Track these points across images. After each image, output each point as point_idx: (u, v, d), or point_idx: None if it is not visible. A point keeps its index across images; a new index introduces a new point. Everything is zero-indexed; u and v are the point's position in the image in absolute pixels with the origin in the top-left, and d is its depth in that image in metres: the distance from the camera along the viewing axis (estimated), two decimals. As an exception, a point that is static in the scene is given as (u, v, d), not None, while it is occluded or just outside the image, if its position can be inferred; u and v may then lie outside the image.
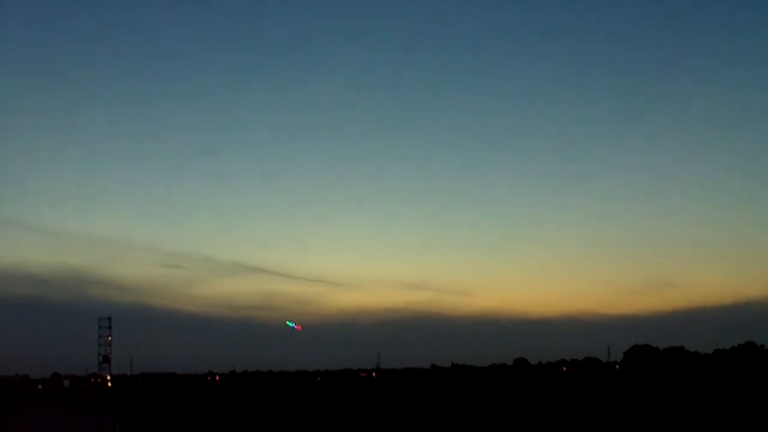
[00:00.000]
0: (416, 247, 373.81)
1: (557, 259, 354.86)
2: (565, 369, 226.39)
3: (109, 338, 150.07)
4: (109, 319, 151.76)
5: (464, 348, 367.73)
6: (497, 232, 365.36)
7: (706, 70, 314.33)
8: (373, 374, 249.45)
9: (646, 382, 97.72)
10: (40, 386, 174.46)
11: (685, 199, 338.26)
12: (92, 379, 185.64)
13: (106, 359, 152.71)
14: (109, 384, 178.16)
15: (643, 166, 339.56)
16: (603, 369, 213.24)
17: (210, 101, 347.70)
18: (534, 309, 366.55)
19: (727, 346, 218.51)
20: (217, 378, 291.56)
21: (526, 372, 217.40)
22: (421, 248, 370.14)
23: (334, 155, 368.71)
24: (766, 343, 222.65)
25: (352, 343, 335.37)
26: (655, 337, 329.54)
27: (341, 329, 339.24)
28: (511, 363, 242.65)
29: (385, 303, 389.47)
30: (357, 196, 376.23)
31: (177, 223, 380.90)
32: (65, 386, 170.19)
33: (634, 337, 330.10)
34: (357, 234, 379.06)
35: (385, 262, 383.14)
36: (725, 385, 73.33)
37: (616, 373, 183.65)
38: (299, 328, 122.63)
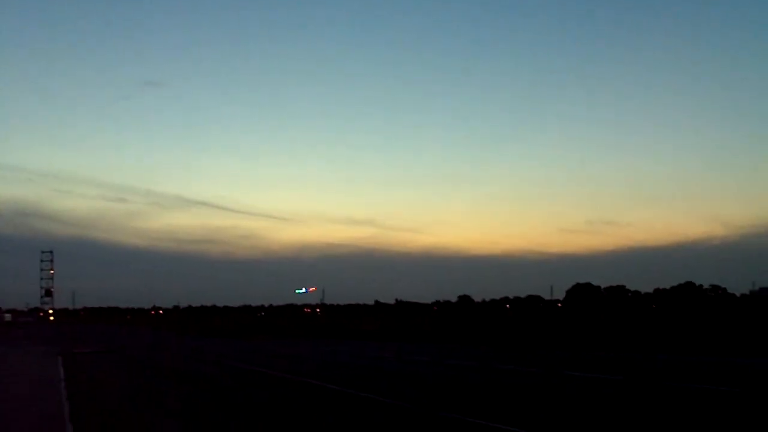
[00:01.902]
0: (362, 183, 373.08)
1: (502, 197, 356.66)
2: (508, 306, 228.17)
3: (51, 272, 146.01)
4: (51, 252, 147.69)
5: (409, 285, 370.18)
6: (443, 170, 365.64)
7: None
8: (317, 310, 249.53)
9: (587, 319, 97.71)
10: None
11: (626, 139, 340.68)
12: (38, 313, 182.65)
13: (48, 293, 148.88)
14: (51, 318, 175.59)
15: (587, 106, 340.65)
16: (545, 307, 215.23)
17: (155, 32, 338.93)
18: (478, 247, 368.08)
19: (667, 286, 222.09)
20: (161, 312, 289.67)
21: (470, 309, 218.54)
22: (367, 185, 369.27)
23: (282, 90, 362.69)
24: (705, 282, 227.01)
25: (297, 278, 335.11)
26: (596, 276, 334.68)
27: (286, 265, 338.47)
28: (455, 300, 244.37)
29: (331, 239, 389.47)
30: (304, 132, 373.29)
31: (121, 156, 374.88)
32: (6, 320, 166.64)
33: (576, 275, 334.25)
34: (303, 170, 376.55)
35: (331, 198, 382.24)
36: (663, 323, 73.20)
37: (558, 310, 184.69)
38: (312, 289, 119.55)
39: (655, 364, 30.15)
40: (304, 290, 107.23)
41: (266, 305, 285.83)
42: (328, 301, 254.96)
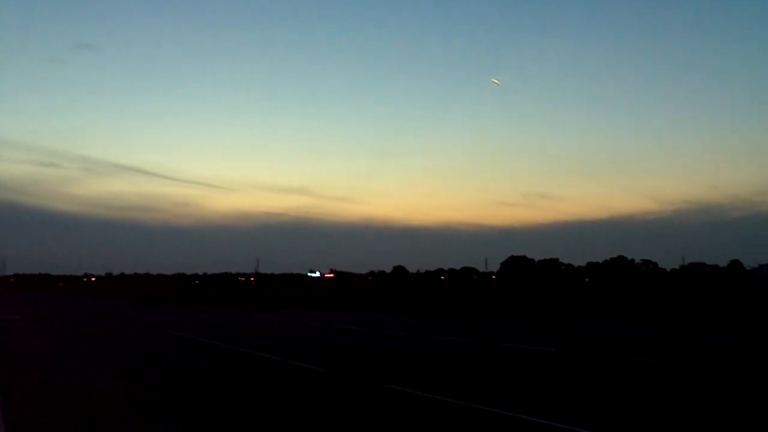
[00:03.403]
0: (298, 152, 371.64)
1: (438, 169, 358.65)
2: (443, 278, 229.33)
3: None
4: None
5: (344, 254, 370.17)
6: (380, 141, 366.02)
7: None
8: (252, 279, 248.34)
9: (521, 291, 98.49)
10: None
11: (563, 115, 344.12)
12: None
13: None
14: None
15: (525, 80, 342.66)
16: (480, 278, 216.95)
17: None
18: (414, 218, 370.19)
19: (600, 259, 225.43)
20: (94, 280, 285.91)
21: (404, 279, 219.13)
22: (303, 154, 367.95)
23: (218, 57, 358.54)
24: (637, 256, 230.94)
25: (232, 247, 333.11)
26: (531, 249, 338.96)
27: (221, 233, 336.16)
28: (389, 271, 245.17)
29: (266, 208, 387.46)
30: (240, 100, 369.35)
31: (53, 120, 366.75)
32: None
33: (511, 248, 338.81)
34: (240, 138, 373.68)
35: (266, 166, 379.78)
36: (596, 296, 73.95)
37: (493, 282, 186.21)
38: (328, 276, 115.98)
39: (587, 337, 30.04)
40: (318, 274, 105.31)
41: (201, 273, 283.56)
42: (262, 270, 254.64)
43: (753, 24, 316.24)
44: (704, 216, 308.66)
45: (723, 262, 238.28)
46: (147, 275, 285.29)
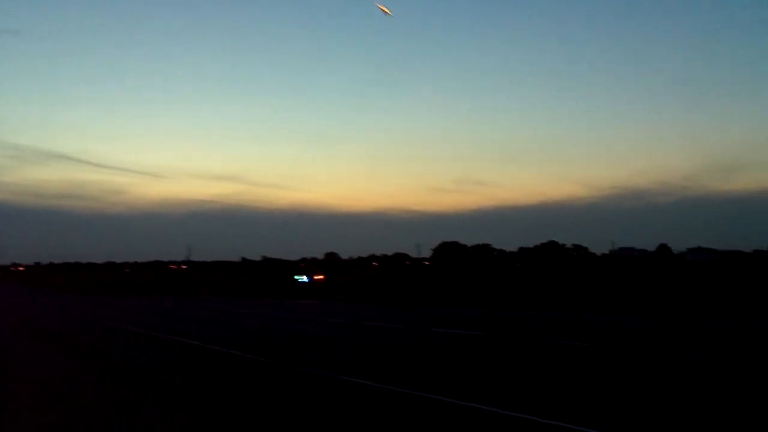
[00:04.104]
0: (231, 139, 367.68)
1: (371, 155, 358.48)
2: (375, 264, 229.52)
3: None
4: None
5: (276, 241, 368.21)
6: (312, 127, 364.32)
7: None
8: (183, 266, 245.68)
9: (453, 277, 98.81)
10: None
11: (495, 101, 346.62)
12: None
13: None
14: None
15: (458, 67, 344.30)
16: (413, 264, 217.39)
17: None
18: (346, 204, 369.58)
19: (532, 245, 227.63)
20: (21, 269, 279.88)
21: (337, 265, 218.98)
22: (235, 141, 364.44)
23: (148, 41, 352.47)
24: (568, 241, 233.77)
25: (163, 234, 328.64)
26: (464, 235, 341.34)
27: (152, 221, 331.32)
28: (322, 257, 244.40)
29: (197, 195, 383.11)
30: (172, 87, 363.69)
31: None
32: None
33: (444, 234, 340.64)
34: (170, 125, 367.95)
35: (198, 154, 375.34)
36: (527, 281, 74.51)
37: (425, 268, 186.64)
38: (318, 278, 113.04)
39: (517, 321, 30.15)
40: (305, 278, 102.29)
41: (132, 262, 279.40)
42: (194, 258, 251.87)
43: (681, 13, 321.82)
44: (633, 201, 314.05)
45: (651, 247, 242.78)
46: (77, 264, 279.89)
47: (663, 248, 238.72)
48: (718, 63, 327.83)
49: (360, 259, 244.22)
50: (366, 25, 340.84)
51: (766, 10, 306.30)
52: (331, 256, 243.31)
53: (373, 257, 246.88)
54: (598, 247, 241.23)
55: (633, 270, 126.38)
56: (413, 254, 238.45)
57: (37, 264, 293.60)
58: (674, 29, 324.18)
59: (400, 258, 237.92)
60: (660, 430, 9.99)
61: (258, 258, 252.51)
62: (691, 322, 27.31)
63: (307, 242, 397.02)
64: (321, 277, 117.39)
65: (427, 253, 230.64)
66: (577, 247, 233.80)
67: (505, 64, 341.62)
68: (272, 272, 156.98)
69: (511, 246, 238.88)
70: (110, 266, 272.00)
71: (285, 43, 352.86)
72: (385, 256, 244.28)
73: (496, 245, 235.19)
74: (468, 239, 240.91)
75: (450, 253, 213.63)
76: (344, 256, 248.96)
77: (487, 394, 12.54)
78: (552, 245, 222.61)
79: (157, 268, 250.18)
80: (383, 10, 58.02)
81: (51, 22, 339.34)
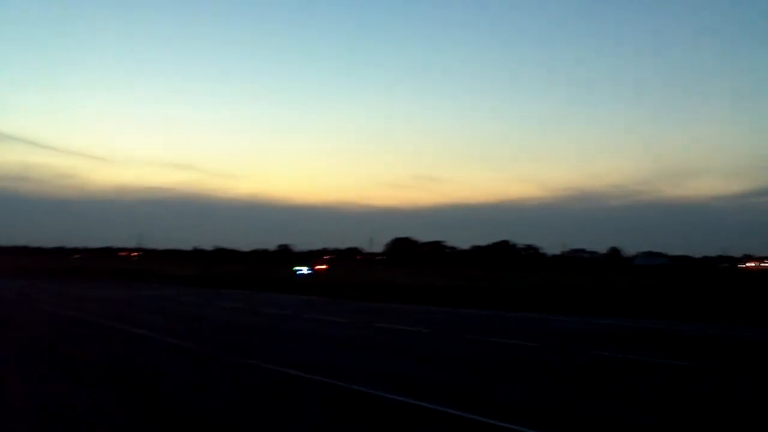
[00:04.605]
0: (186, 127, 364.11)
1: (326, 148, 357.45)
2: (327, 257, 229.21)
3: None
4: None
5: (229, 232, 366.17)
6: (270, 118, 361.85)
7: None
8: (133, 254, 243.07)
9: (405, 272, 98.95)
10: None
11: (453, 98, 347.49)
12: None
13: None
14: None
15: (415, 62, 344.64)
16: (364, 258, 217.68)
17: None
18: (301, 196, 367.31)
19: (484, 243, 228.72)
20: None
21: (290, 258, 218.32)
22: (191, 128, 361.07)
23: (103, 25, 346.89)
24: (521, 241, 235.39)
25: (115, 221, 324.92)
26: (418, 231, 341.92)
27: (104, 207, 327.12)
28: (274, 249, 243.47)
29: (151, 182, 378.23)
30: (129, 71, 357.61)
31: None
32: None
33: (398, 229, 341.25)
34: (127, 110, 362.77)
35: (154, 141, 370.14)
36: (479, 278, 74.70)
37: (375, 262, 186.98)
38: (320, 268, 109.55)
39: (463, 318, 30.08)
40: (306, 270, 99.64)
41: (81, 247, 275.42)
42: (146, 246, 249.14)
43: (638, 17, 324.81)
44: (586, 203, 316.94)
45: (603, 249, 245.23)
46: (25, 248, 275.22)
47: (613, 251, 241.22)
48: (675, 69, 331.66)
49: (312, 251, 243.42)
50: (325, 17, 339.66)
51: (720, 14, 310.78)
52: (284, 248, 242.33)
53: (325, 250, 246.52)
54: (551, 247, 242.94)
55: (582, 271, 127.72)
56: (366, 249, 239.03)
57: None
58: (632, 33, 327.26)
59: (352, 252, 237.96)
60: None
61: (210, 248, 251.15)
62: (629, 324, 27.50)
63: (261, 233, 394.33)
64: (324, 267, 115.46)
65: (379, 247, 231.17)
66: (530, 247, 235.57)
67: (464, 64, 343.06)
68: (223, 261, 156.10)
69: (464, 244, 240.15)
70: (60, 251, 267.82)
71: (244, 33, 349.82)
72: (337, 250, 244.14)
73: (451, 242, 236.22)
74: (422, 235, 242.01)
75: (402, 248, 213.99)
76: (297, 248, 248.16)
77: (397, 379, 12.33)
78: (504, 244, 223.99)
79: (108, 254, 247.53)
80: None
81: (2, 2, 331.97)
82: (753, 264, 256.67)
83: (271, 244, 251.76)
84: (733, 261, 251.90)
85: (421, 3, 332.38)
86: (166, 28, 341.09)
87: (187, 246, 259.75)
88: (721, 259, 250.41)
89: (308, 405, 11.47)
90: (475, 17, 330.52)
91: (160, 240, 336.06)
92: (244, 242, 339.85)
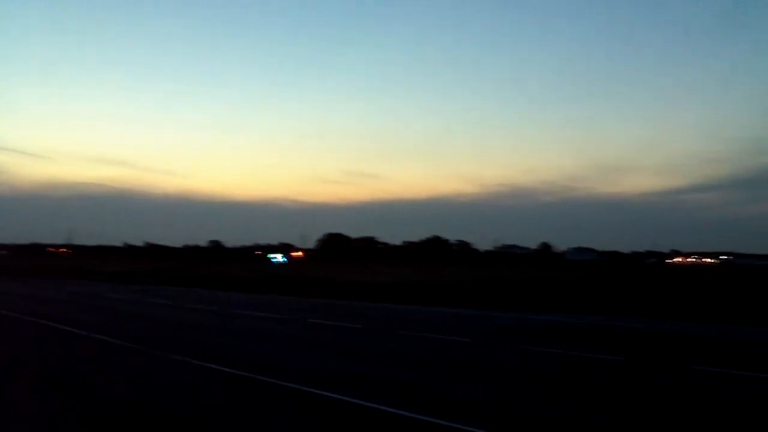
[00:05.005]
0: (119, 122, 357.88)
1: (258, 144, 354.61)
2: (258, 253, 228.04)
3: None
4: None
5: (161, 227, 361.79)
6: (200, 114, 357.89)
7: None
8: (62, 250, 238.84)
9: (337, 268, 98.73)
10: None
11: (386, 95, 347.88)
12: None
13: None
14: None
15: (349, 60, 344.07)
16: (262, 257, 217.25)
17: None
18: (233, 192, 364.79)
19: (417, 239, 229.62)
20: None
21: (221, 253, 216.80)
22: (124, 124, 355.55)
23: (37, 18, 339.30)
24: (453, 237, 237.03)
25: (44, 217, 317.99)
26: (350, 227, 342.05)
27: (33, 202, 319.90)
28: (206, 245, 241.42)
29: (82, 178, 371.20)
30: (60, 64, 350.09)
31: None
32: None
33: (330, 225, 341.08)
34: (57, 104, 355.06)
35: (85, 136, 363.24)
36: (411, 274, 74.75)
37: (309, 258, 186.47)
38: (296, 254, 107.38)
39: (398, 315, 30.00)
40: (281, 258, 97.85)
41: (8, 243, 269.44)
42: (76, 242, 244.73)
43: (566, 15, 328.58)
44: (518, 199, 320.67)
45: (534, 245, 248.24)
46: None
47: (545, 246, 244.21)
48: (608, 66, 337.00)
49: (244, 248, 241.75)
50: (260, 14, 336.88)
51: (655, 12, 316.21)
52: (216, 244, 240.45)
53: (257, 246, 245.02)
54: (483, 243, 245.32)
55: (514, 266, 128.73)
56: (298, 244, 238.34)
57: None
58: (565, 31, 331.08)
59: (285, 248, 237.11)
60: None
61: (141, 244, 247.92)
62: (561, 319, 27.86)
63: (192, 229, 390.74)
64: (300, 254, 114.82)
65: (311, 243, 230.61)
66: (461, 243, 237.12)
67: (397, 60, 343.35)
68: (154, 257, 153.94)
69: (396, 240, 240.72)
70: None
71: (180, 29, 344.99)
72: (269, 246, 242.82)
73: (383, 238, 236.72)
74: (354, 231, 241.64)
75: (334, 244, 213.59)
76: (228, 244, 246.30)
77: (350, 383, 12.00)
78: (436, 240, 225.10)
79: (36, 251, 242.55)
80: None
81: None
82: (680, 259, 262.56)
83: (203, 240, 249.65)
84: (661, 256, 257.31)
85: (355, 1, 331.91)
86: (97, 20, 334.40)
87: (117, 242, 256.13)
88: (649, 254, 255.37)
89: (226, 398, 11.20)
90: (409, 14, 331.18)
91: (90, 236, 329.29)
92: (175, 238, 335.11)
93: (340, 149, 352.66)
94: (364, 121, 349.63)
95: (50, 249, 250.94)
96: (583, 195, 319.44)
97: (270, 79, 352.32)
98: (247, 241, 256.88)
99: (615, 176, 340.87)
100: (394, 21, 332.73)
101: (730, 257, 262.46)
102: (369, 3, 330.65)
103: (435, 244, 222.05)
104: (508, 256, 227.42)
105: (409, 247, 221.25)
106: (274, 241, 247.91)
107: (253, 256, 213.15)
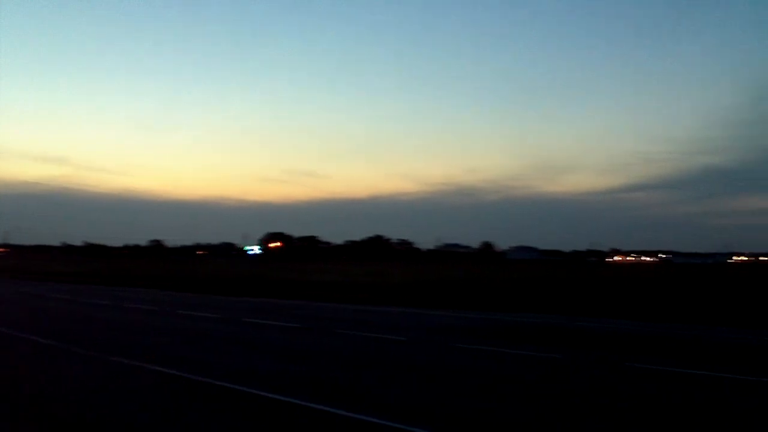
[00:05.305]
0: (59, 120, 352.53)
1: (201, 143, 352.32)
2: (200, 252, 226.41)
3: None
4: None
5: (101, 226, 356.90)
6: (143, 113, 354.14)
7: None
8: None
9: (279, 266, 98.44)
10: None
11: (328, 93, 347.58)
12: None
13: None
14: None
15: (295, 58, 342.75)
16: (238, 253, 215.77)
17: None
18: (174, 191, 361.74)
19: (359, 238, 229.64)
20: None
21: (162, 253, 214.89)
22: (64, 122, 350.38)
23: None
24: (395, 236, 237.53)
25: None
26: (293, 226, 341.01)
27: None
28: (146, 244, 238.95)
29: (20, 176, 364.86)
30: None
31: None
32: None
33: (272, 224, 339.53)
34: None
35: (22, 133, 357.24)
36: (354, 273, 74.87)
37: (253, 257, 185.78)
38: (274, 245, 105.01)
39: (337, 313, 30.19)
40: (256, 249, 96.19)
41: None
42: (12, 242, 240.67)
43: (508, 14, 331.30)
44: (461, 198, 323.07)
45: (476, 243, 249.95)
46: None
47: (486, 245, 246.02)
48: (552, 66, 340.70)
49: (185, 247, 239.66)
50: (202, 10, 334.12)
51: (598, 13, 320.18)
52: (157, 244, 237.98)
53: (198, 246, 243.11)
54: (426, 242, 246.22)
55: (457, 265, 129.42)
56: (239, 243, 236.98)
57: None
58: (509, 30, 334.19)
59: (227, 247, 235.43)
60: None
61: (80, 243, 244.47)
62: (499, 318, 28.28)
63: (133, 228, 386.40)
64: (278, 244, 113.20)
65: (254, 243, 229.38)
66: (404, 242, 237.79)
67: (339, 60, 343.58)
68: (93, 256, 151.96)
69: (339, 239, 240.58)
70: None
71: (119, 27, 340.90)
72: (211, 245, 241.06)
73: (325, 237, 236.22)
74: (297, 230, 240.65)
75: (276, 242, 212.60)
76: (170, 244, 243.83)
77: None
78: (378, 239, 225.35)
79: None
80: None
81: None
82: (620, 258, 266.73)
83: (144, 240, 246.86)
84: (602, 255, 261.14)
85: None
86: (31, 18, 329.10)
87: (56, 241, 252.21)
88: (590, 253, 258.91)
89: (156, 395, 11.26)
90: (350, 12, 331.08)
91: (28, 235, 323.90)
92: (116, 237, 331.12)
93: (283, 148, 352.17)
94: (307, 120, 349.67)
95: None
96: (524, 194, 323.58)
97: (212, 78, 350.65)
98: (188, 240, 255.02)
99: (556, 176, 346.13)
100: (336, 20, 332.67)
101: (669, 255, 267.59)
102: (313, 2, 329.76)
103: (377, 243, 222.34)
104: (450, 254, 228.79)
105: (351, 246, 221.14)
106: (216, 241, 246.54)
107: (195, 255, 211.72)
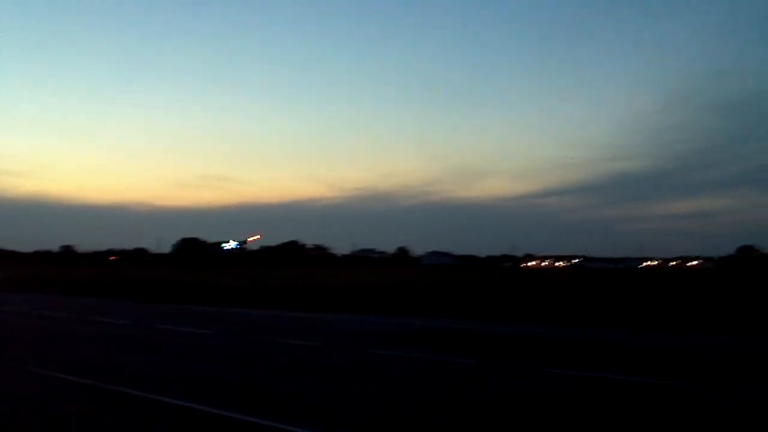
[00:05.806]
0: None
1: (113, 147, 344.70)
2: (113, 258, 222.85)
3: None
4: None
5: (8, 231, 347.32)
6: (53, 114, 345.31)
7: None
8: None
9: (193, 272, 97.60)
10: None
11: (243, 96, 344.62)
12: None
13: None
14: None
15: (210, 60, 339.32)
16: (152, 259, 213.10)
17: None
18: (86, 196, 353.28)
19: (274, 243, 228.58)
20: None
21: (73, 259, 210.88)
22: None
23: None
24: (311, 241, 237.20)
25: None
26: (207, 231, 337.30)
27: None
28: (57, 250, 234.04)
29: None
30: None
31: None
32: None
33: (186, 229, 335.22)
34: None
35: None
36: (271, 279, 74.67)
37: (165, 263, 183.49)
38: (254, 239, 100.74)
39: (253, 320, 30.16)
40: (234, 245, 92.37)
41: None
42: None
43: (423, 18, 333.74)
44: (376, 203, 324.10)
45: (392, 249, 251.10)
46: None
47: (401, 250, 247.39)
48: (466, 71, 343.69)
49: (97, 253, 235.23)
50: (117, 14, 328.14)
51: (510, 19, 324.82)
52: (67, 249, 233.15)
53: (111, 251, 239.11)
54: (341, 247, 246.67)
55: (370, 270, 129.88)
56: (153, 249, 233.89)
57: None
58: (424, 34, 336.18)
59: (140, 253, 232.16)
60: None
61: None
62: (414, 322, 28.62)
63: (42, 234, 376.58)
64: (257, 237, 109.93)
65: (167, 248, 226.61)
66: (319, 247, 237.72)
67: (254, 63, 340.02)
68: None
69: (253, 244, 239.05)
70: None
71: (36, 26, 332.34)
72: (124, 251, 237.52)
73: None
74: (211, 236, 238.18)
75: (190, 248, 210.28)
76: (81, 249, 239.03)
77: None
78: (293, 245, 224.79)
79: None
80: None
81: None
82: (534, 263, 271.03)
83: (55, 245, 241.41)
84: (516, 260, 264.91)
85: (213, 1, 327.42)
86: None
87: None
88: (504, 258, 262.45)
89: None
90: (266, 17, 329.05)
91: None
92: (25, 243, 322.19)
93: (197, 152, 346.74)
94: (221, 123, 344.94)
95: None
96: (440, 199, 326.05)
97: (123, 81, 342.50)
98: (100, 246, 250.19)
99: (471, 181, 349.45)
100: (250, 23, 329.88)
101: (582, 260, 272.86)
102: (225, 4, 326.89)
103: (292, 248, 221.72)
104: (364, 259, 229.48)
105: (266, 251, 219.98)
106: (129, 246, 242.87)
107: (107, 260, 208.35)
